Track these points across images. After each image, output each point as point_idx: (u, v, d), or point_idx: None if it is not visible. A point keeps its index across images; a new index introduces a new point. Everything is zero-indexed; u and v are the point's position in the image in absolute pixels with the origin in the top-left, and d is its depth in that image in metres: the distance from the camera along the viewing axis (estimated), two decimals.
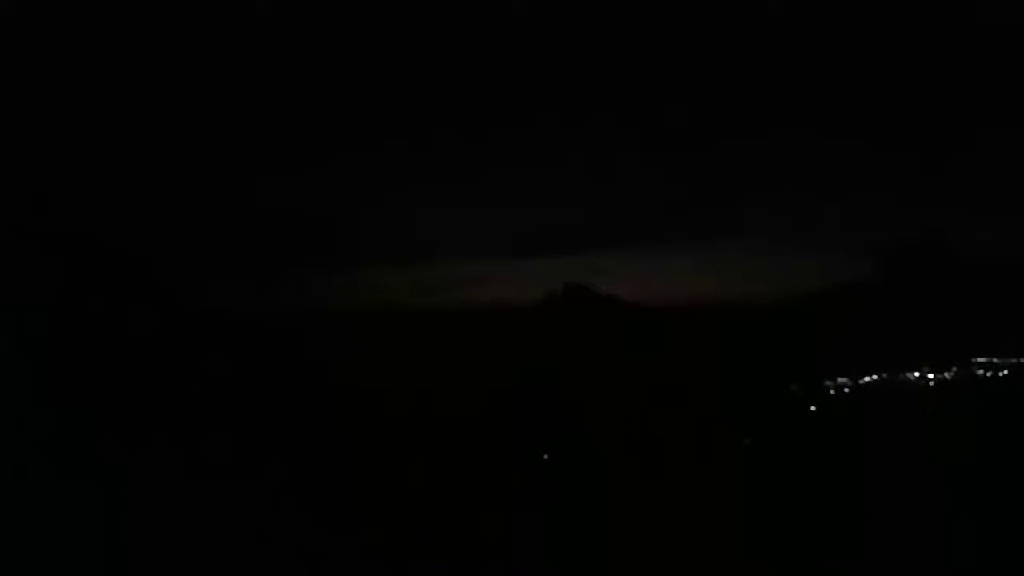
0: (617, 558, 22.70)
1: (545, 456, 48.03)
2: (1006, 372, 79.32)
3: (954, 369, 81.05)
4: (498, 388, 75.94)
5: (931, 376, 79.65)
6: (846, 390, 75.20)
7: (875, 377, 79.28)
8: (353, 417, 51.23)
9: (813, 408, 65.49)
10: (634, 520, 28.98)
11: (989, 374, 79.95)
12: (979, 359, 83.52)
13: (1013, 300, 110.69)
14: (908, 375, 79.91)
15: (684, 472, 37.99)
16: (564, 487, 38.61)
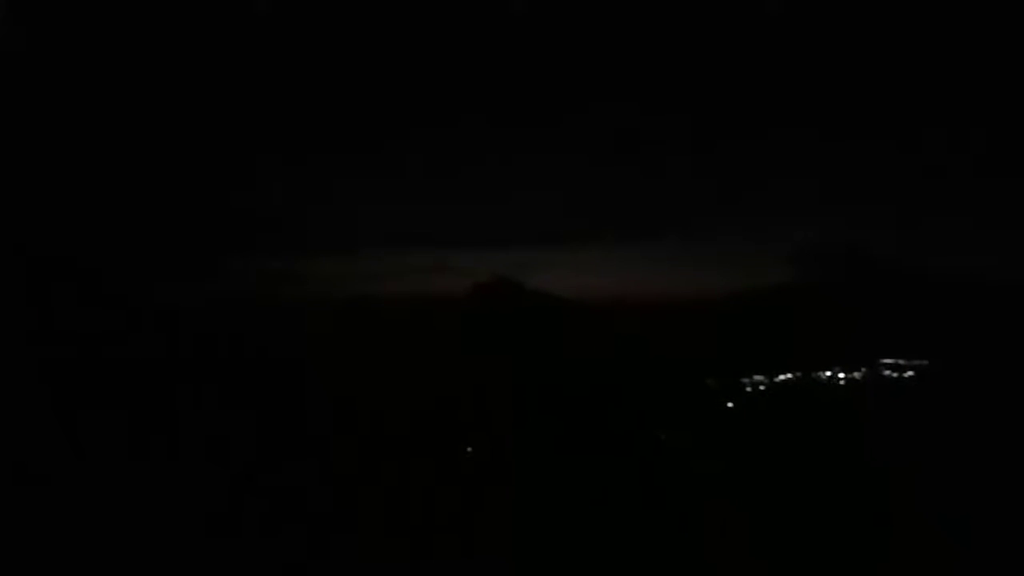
0: (531, 545, 22.97)
1: (468, 449, 48.16)
2: (911, 373, 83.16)
3: (863, 369, 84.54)
4: (428, 377, 75.72)
5: (841, 376, 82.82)
6: (762, 387, 77.55)
7: (789, 375, 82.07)
8: (296, 401, 50.62)
9: (730, 404, 67.30)
10: (551, 509, 29.34)
11: (896, 375, 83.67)
12: (886, 360, 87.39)
13: (919, 305, 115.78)
14: (820, 374, 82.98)
15: (600, 464, 38.66)
16: (484, 478, 38.80)
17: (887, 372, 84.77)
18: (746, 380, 78.67)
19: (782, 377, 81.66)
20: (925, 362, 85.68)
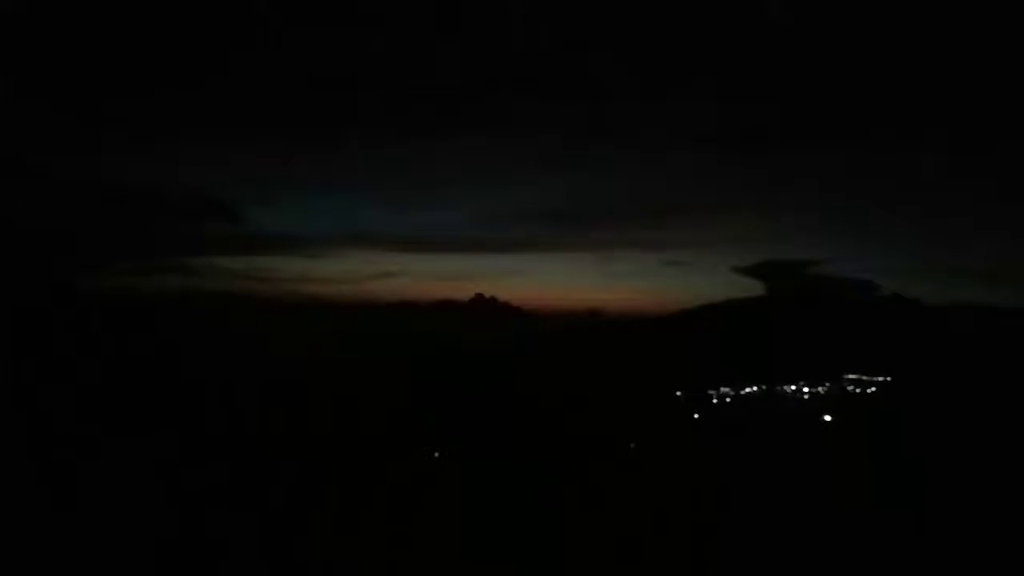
0: (496, 559, 23.08)
1: (436, 454, 48.14)
2: (873, 389, 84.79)
3: (827, 384, 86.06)
4: (397, 383, 75.60)
5: (807, 389, 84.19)
6: (728, 399, 78.56)
7: (755, 388, 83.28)
8: (243, 400, 50.24)
9: (696, 415, 68.04)
10: (518, 522, 29.46)
11: (858, 390, 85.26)
12: (850, 375, 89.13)
13: (881, 322, 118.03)
14: (786, 388, 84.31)
15: (571, 474, 38.88)
16: (451, 485, 38.82)
17: (850, 387, 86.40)
18: (712, 392, 79.73)
19: (747, 390, 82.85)
20: (888, 378, 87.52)
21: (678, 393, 77.63)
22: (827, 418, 65.10)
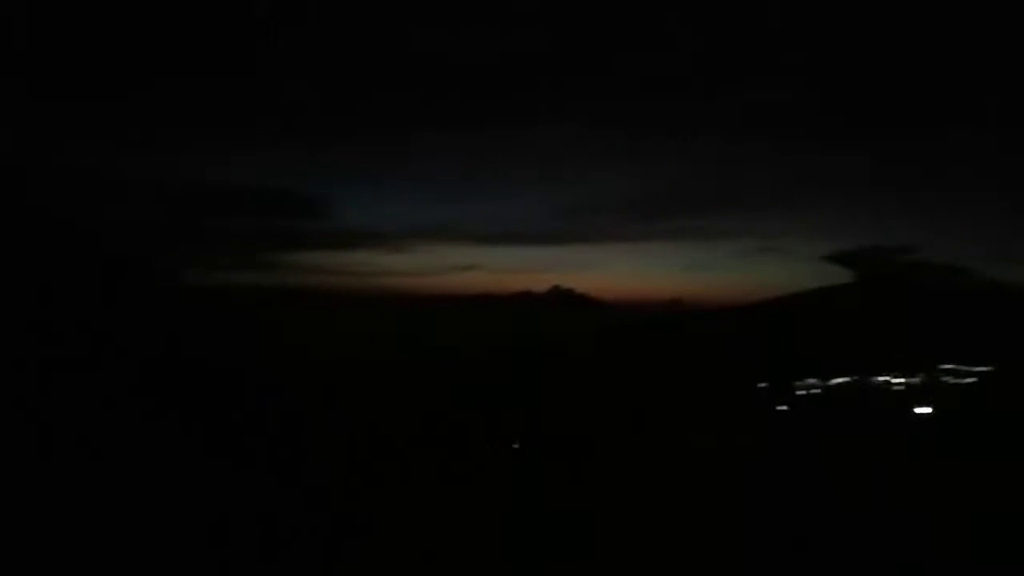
0: (581, 555, 22.81)
1: (515, 445, 48.26)
2: (972, 379, 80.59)
3: (921, 375, 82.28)
4: (478, 373, 76.29)
5: (899, 380, 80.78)
6: (815, 391, 76.13)
7: (844, 379, 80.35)
8: (329, 392, 51.30)
9: (781, 407, 66.18)
10: (597, 517, 29.11)
11: (955, 380, 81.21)
12: (946, 365, 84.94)
13: (983, 310, 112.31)
14: (876, 379, 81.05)
15: (650, 468, 38.30)
16: (530, 478, 38.79)
17: (946, 378, 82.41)
18: (798, 383, 77.38)
19: (836, 381, 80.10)
20: (988, 368, 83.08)
21: (762, 385, 75.72)
22: (921, 410, 62.27)
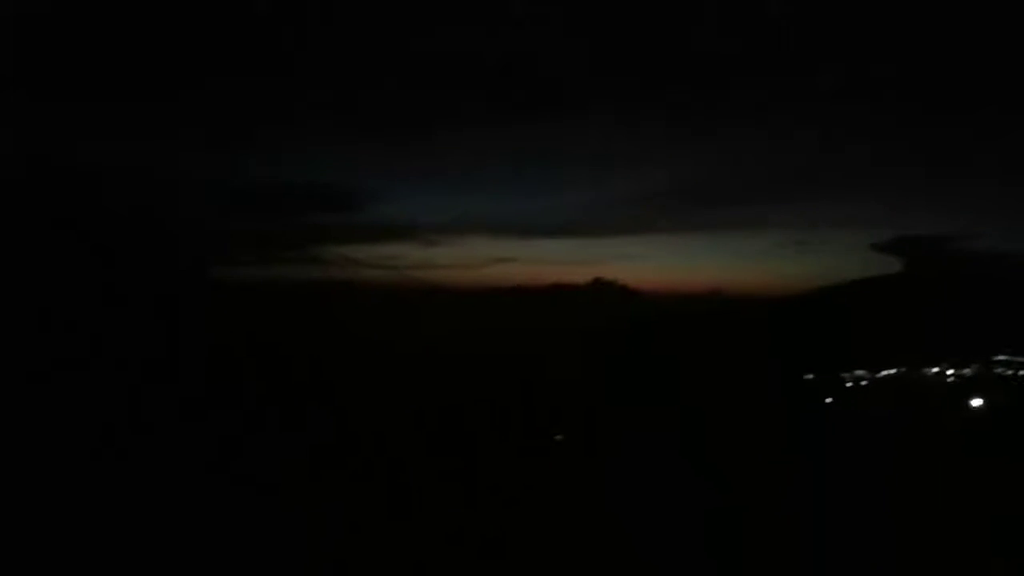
0: (616, 547, 22.64)
1: (558, 437, 48.21)
2: None
3: (974, 366, 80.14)
4: (524, 365, 76.35)
5: (951, 372, 78.83)
6: (863, 383, 74.64)
7: (893, 371, 78.63)
8: (374, 385, 51.81)
9: (828, 400, 65.03)
10: (646, 507, 28.88)
11: (1011, 372, 78.95)
12: (1000, 356, 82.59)
13: None
14: (927, 370, 79.16)
15: (697, 461, 37.95)
16: (575, 469, 38.71)
17: (1000, 369, 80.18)
18: (846, 375, 75.95)
19: (885, 372, 78.47)
20: None
21: (809, 376, 74.50)
22: (975, 403, 60.71)
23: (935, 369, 79.70)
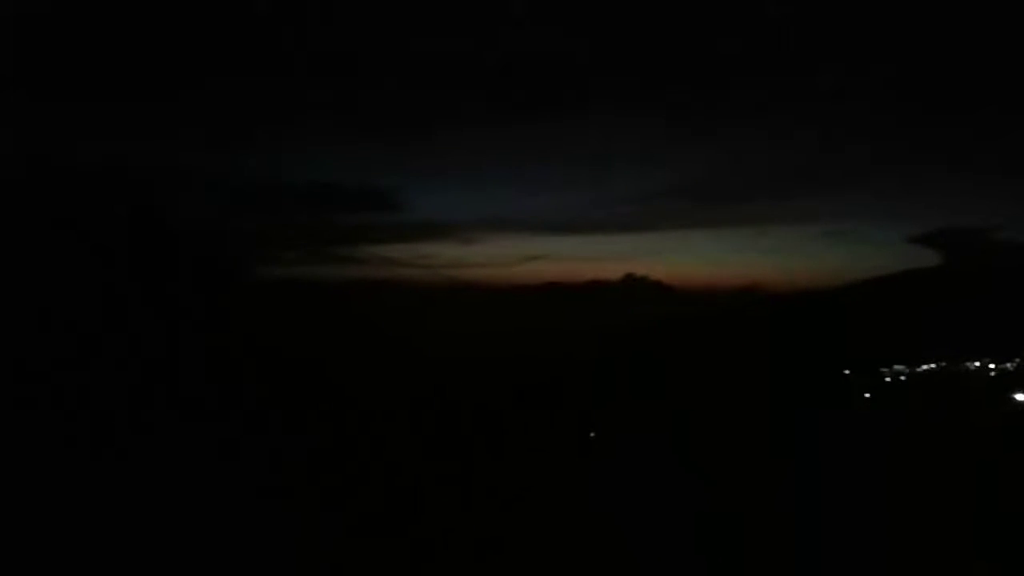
0: (651, 540, 22.70)
1: (592, 434, 48.25)
2: None
3: (1017, 360, 78.49)
4: (553, 361, 76.45)
5: (993, 366, 77.28)
6: (902, 377, 73.53)
7: (934, 366, 77.35)
8: (403, 380, 52.23)
9: (867, 395, 64.22)
10: (678, 502, 28.91)
11: None
12: None
13: None
14: (968, 364, 77.69)
15: (728, 457, 37.80)
16: (607, 463, 38.75)
17: None
18: (885, 370, 74.88)
19: (925, 367, 77.24)
20: None
21: (846, 372, 73.58)
22: (1020, 397, 59.54)
23: (977, 363, 78.24)
